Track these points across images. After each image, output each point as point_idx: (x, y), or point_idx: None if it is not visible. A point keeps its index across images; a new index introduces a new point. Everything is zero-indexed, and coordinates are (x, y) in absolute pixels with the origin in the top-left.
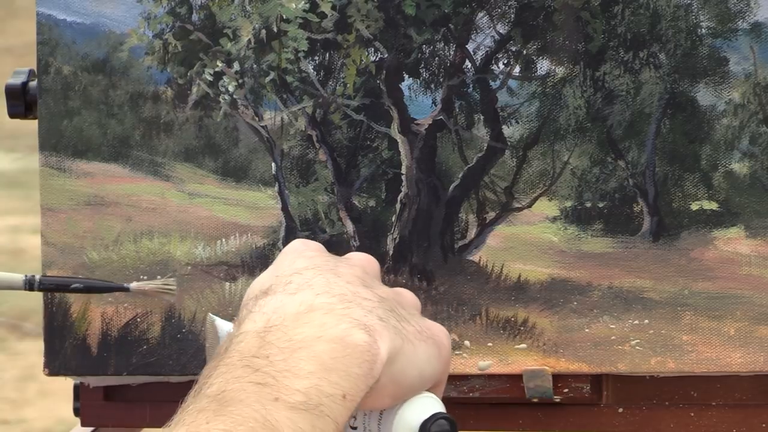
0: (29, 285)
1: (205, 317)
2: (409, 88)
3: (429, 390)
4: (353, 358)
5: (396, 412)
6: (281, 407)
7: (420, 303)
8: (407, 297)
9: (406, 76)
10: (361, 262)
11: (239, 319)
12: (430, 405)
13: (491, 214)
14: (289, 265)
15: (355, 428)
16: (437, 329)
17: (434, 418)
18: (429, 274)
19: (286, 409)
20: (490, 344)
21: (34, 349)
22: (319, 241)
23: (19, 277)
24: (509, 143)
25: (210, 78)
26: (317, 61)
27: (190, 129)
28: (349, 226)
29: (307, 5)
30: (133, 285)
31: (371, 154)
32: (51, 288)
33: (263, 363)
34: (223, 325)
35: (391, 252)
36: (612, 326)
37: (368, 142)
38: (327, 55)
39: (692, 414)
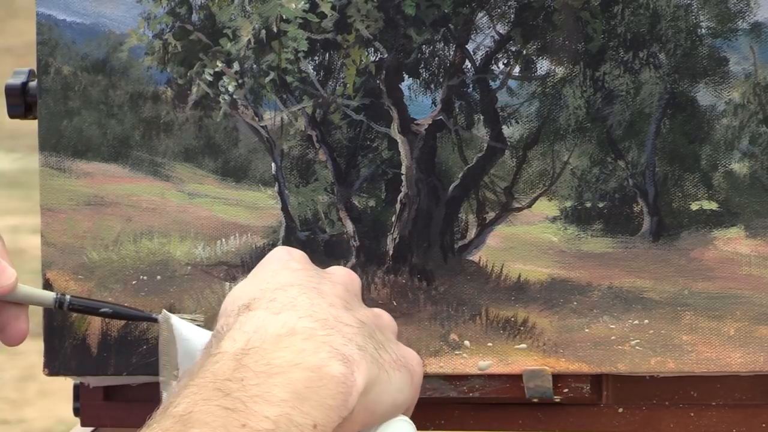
0: (59, 304)
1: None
2: (409, 88)
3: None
4: (328, 389)
5: None
6: None
7: (397, 326)
8: (385, 320)
9: (405, 76)
10: (344, 279)
11: (218, 330)
12: (403, 429)
13: (491, 214)
14: (272, 278)
15: None
16: (411, 357)
17: None
18: (429, 274)
19: None
20: (490, 344)
21: (34, 349)
22: (319, 242)
23: (50, 295)
24: (509, 143)
25: (210, 78)
26: (317, 61)
27: (190, 129)
28: (349, 226)
29: (307, 5)
30: (161, 316)
31: (371, 154)
32: (79, 310)
33: (236, 387)
34: (180, 325)
35: (391, 252)
36: (612, 326)
37: (368, 142)
38: (327, 55)
39: (692, 414)
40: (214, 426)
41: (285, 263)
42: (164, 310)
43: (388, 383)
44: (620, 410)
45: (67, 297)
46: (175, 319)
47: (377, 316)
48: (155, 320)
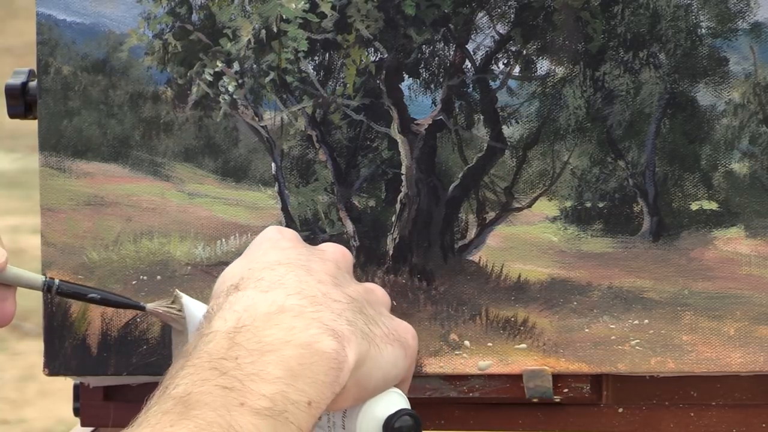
0: (47, 287)
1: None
2: (409, 88)
3: (395, 386)
4: (320, 366)
5: (361, 407)
6: (246, 412)
7: (389, 300)
8: (377, 294)
9: (406, 76)
10: (335, 255)
11: (209, 311)
12: (395, 401)
13: (491, 214)
14: (262, 256)
15: (319, 419)
16: (404, 330)
17: (399, 414)
18: (429, 274)
19: (250, 415)
20: (490, 344)
21: (34, 349)
22: (319, 242)
23: (39, 278)
24: (509, 143)
25: (210, 78)
26: (317, 61)
27: (190, 129)
28: (349, 226)
29: (307, 5)
30: (150, 306)
31: (371, 154)
32: (68, 294)
33: (231, 365)
34: (191, 304)
35: (391, 252)
36: (612, 326)
37: (368, 142)
38: (327, 55)
39: (692, 414)
40: (215, 406)
41: (275, 242)
42: (177, 290)
43: (379, 358)
44: (620, 410)
45: (56, 281)
46: (187, 299)
47: (369, 291)
48: (143, 308)
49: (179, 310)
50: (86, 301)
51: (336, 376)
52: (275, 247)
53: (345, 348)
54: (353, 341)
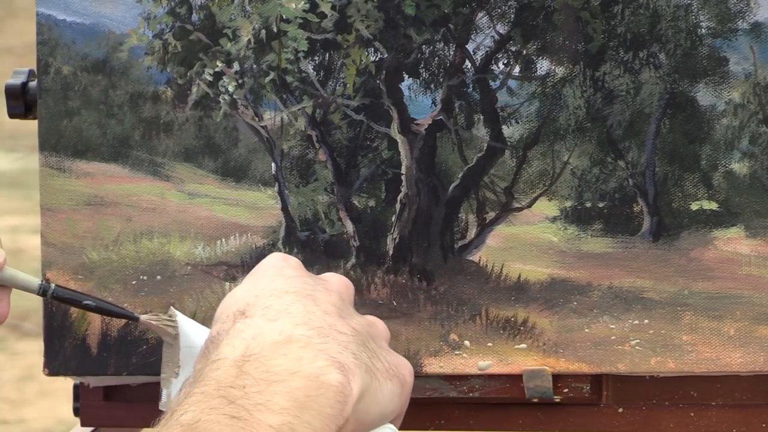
0: (42, 291)
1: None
2: (409, 88)
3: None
4: (327, 398)
5: None
6: None
7: (389, 334)
8: (379, 328)
9: (405, 76)
10: (338, 287)
11: (212, 336)
12: None
13: (491, 214)
14: (268, 284)
15: None
16: (403, 366)
17: None
18: (429, 274)
19: None
20: (490, 344)
21: (34, 349)
22: (319, 242)
23: (35, 281)
24: (509, 143)
25: (210, 78)
26: (317, 61)
27: (189, 129)
28: (349, 226)
29: (307, 5)
30: (143, 317)
31: (371, 154)
32: (63, 299)
33: (239, 394)
34: (185, 323)
35: (391, 252)
36: (612, 326)
37: (368, 142)
38: (327, 55)
39: (692, 414)
40: None
41: (280, 270)
42: (172, 307)
43: (379, 393)
44: (620, 410)
45: (52, 285)
46: (181, 317)
47: (371, 325)
48: (136, 319)
49: (173, 324)
50: (81, 307)
51: (341, 409)
52: (280, 275)
53: (350, 381)
54: (357, 375)
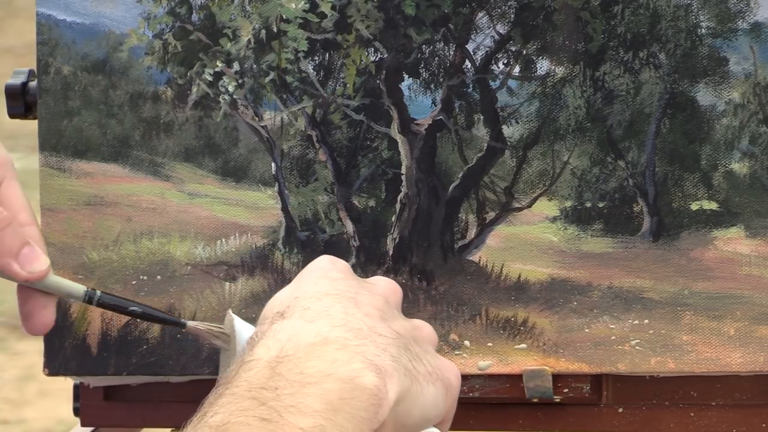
0: (88, 298)
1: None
2: (409, 88)
3: (434, 425)
4: (361, 401)
5: None
6: None
7: (437, 339)
8: (425, 332)
9: (405, 76)
10: (384, 291)
11: (252, 337)
12: None
13: (491, 214)
14: (312, 286)
15: None
16: (448, 369)
17: None
18: (429, 274)
19: None
20: (490, 344)
21: (34, 349)
22: (319, 242)
23: (81, 288)
24: (509, 143)
25: (210, 78)
26: (317, 61)
27: (190, 129)
28: (349, 226)
29: (307, 5)
30: (190, 323)
31: (371, 154)
32: (108, 306)
33: (270, 395)
34: (241, 326)
35: (391, 252)
36: (612, 326)
37: (368, 142)
38: (327, 55)
39: (692, 414)
40: None
41: (325, 272)
42: (229, 311)
43: (420, 395)
44: (620, 410)
45: (97, 292)
46: (237, 320)
47: (416, 328)
48: (183, 326)
49: (221, 329)
50: (126, 314)
51: (375, 412)
52: (325, 277)
53: (386, 384)
54: (395, 377)
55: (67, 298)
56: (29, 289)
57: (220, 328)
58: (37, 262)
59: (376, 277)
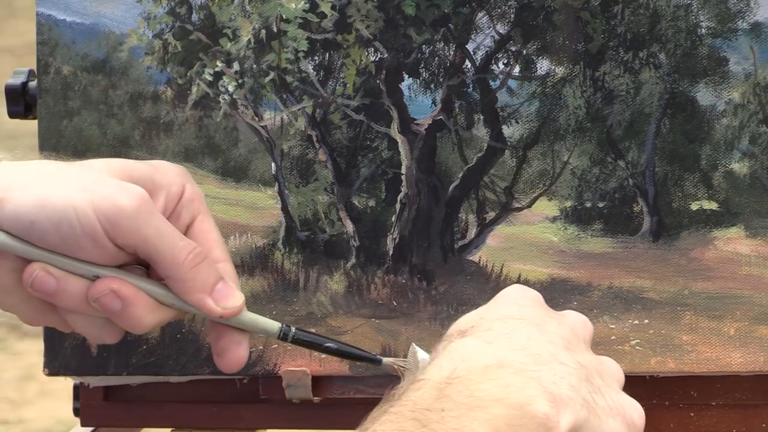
0: (283, 335)
1: (409, 347)
2: (409, 88)
3: None
4: (528, 429)
5: None
6: None
7: (623, 378)
8: (610, 368)
9: (405, 76)
10: (573, 323)
11: (432, 354)
12: None
13: (491, 214)
14: (498, 310)
15: None
16: (631, 407)
17: None
18: (429, 274)
19: None
20: None
21: (34, 349)
22: (319, 242)
23: (275, 325)
24: (509, 143)
25: (210, 78)
26: (317, 61)
27: (189, 129)
28: (349, 226)
29: (307, 5)
30: (386, 360)
31: (371, 154)
32: (303, 343)
33: (435, 417)
34: (425, 357)
35: (391, 252)
36: (612, 326)
37: (368, 142)
38: (327, 55)
39: (692, 414)
40: None
41: (515, 299)
42: (413, 344)
43: (598, 429)
44: None
45: (292, 329)
46: (421, 353)
47: (601, 363)
48: (379, 362)
49: (414, 364)
50: (321, 351)
51: None
52: (514, 303)
53: (559, 413)
54: (569, 407)
55: (260, 335)
56: (222, 326)
57: (412, 362)
58: (232, 298)
59: (567, 310)
